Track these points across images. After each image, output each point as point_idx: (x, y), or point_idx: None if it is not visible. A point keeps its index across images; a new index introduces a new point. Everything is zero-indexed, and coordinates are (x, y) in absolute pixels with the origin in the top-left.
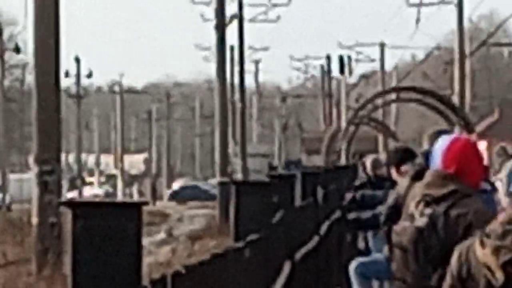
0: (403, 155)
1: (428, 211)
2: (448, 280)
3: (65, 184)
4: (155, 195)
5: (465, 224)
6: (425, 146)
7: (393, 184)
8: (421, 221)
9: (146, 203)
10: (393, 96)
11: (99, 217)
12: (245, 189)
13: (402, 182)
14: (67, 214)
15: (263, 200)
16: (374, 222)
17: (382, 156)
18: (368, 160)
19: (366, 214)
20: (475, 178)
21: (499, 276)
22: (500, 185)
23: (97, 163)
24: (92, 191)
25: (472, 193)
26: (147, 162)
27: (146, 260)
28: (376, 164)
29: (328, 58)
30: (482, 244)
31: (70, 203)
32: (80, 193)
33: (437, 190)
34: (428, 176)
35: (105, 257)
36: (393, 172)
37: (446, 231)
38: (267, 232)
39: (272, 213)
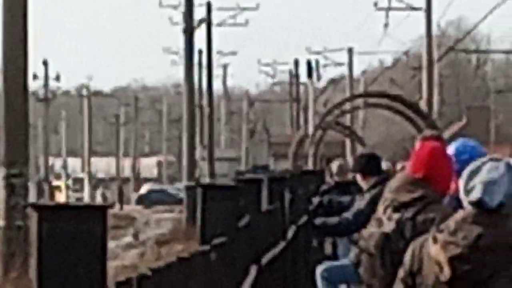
0: (368, 161)
1: (396, 216)
2: (400, 274)
3: (32, 187)
4: (122, 199)
5: None
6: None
7: (359, 189)
8: (388, 227)
9: (111, 206)
10: (360, 101)
11: (64, 219)
12: (211, 193)
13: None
14: (33, 217)
15: (229, 204)
16: (340, 228)
17: (349, 161)
18: (334, 165)
19: (333, 220)
20: (443, 183)
21: (446, 271)
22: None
23: (64, 166)
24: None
25: (440, 199)
26: (160, 165)
27: (113, 264)
28: (342, 169)
29: (296, 62)
30: (435, 239)
31: (36, 206)
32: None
33: (405, 195)
34: (396, 181)
35: (70, 260)
36: (359, 177)
37: (413, 236)
38: (233, 236)
39: (239, 217)
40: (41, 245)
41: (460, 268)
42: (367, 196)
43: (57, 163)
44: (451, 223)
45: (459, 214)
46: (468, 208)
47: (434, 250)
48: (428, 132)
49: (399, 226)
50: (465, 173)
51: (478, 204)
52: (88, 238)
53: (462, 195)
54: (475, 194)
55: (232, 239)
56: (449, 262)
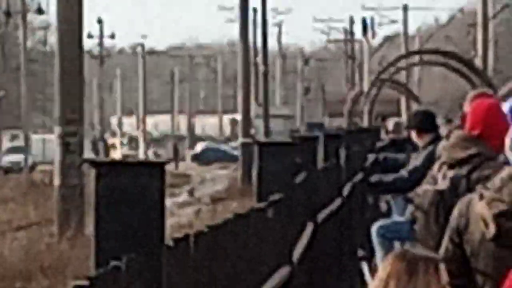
0: (423, 118)
1: (450, 173)
2: (447, 232)
3: (87, 145)
4: (177, 157)
5: None
6: (465, 108)
7: (415, 147)
8: (443, 184)
9: (168, 162)
10: (416, 58)
11: (122, 176)
12: (268, 150)
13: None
14: (90, 174)
15: (285, 161)
16: (396, 185)
17: (404, 119)
18: (390, 123)
19: (388, 177)
20: (499, 141)
21: (491, 227)
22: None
23: (119, 125)
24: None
25: (495, 156)
26: (234, 124)
27: (168, 222)
28: (397, 126)
29: (351, 20)
30: (481, 197)
31: (94, 162)
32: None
33: (461, 152)
34: (452, 138)
35: (128, 216)
36: (413, 134)
37: (467, 193)
38: (290, 193)
39: (295, 174)
40: (99, 201)
41: (505, 225)
42: (423, 153)
43: (112, 121)
44: (496, 180)
45: (505, 171)
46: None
47: (480, 207)
48: (477, 91)
49: (453, 183)
50: (511, 130)
51: None
52: (146, 194)
53: (507, 151)
54: None
55: (289, 196)
56: (494, 219)
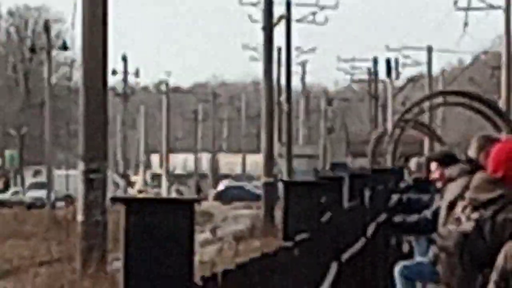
0: (446, 155)
1: (475, 215)
2: (493, 277)
3: (109, 182)
4: (200, 195)
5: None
6: (470, 152)
7: (438, 188)
8: (467, 226)
9: (198, 200)
10: (439, 99)
11: (152, 213)
12: (294, 189)
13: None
14: (112, 213)
15: (311, 201)
16: (419, 226)
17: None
18: (412, 163)
19: (412, 218)
20: None
21: None
22: None
23: (144, 162)
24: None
25: None
26: None
27: None
28: (420, 166)
29: (375, 60)
30: None
31: (124, 199)
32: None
33: (485, 194)
34: (475, 180)
35: (157, 254)
36: (433, 167)
37: (492, 235)
38: (316, 233)
39: (320, 214)
40: (128, 238)
41: None
42: None
43: (152, 159)
44: None
45: None
46: None
47: None
48: (485, 135)
49: (478, 225)
50: None
51: None
52: (175, 232)
53: None
54: None
55: (314, 236)
56: None
